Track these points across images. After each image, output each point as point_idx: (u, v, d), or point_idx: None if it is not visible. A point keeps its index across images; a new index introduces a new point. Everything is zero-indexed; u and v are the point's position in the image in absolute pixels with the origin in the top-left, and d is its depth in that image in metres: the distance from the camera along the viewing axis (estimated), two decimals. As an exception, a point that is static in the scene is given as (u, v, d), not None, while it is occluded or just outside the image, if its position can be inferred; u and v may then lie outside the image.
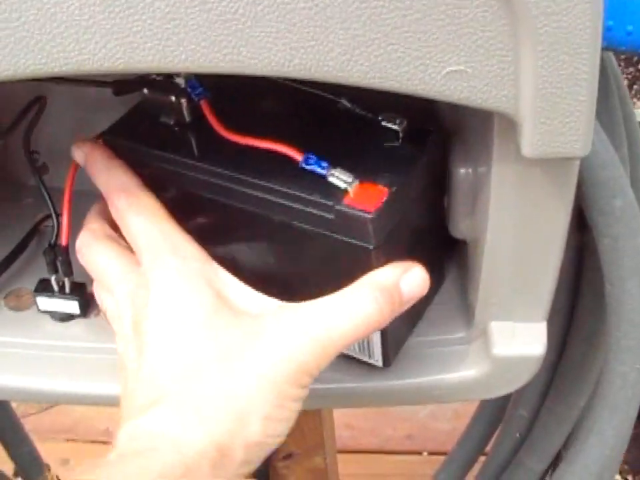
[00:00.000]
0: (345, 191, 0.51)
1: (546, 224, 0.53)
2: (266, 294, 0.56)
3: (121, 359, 0.52)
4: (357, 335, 0.50)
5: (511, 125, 0.46)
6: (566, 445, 0.80)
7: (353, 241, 0.52)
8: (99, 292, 0.57)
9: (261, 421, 0.47)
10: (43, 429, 1.41)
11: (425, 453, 1.60)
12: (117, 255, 0.55)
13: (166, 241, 0.53)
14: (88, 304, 0.64)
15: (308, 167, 0.52)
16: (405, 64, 0.43)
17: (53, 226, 0.63)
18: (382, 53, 0.43)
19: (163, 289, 0.51)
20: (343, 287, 0.51)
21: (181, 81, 0.57)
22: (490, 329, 0.58)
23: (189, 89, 0.57)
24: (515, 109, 0.45)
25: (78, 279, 0.63)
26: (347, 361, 0.60)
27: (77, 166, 0.60)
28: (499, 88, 0.44)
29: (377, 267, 0.52)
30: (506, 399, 0.87)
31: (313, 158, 0.53)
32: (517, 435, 0.86)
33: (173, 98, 0.58)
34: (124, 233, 0.56)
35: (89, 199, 0.61)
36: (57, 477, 1.11)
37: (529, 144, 0.45)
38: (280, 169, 0.53)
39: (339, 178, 0.52)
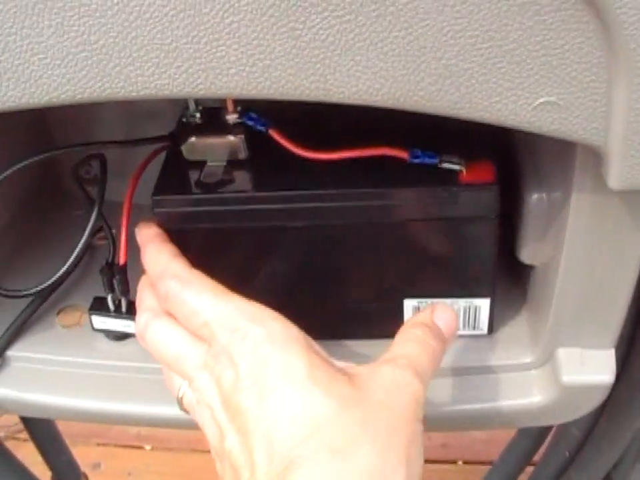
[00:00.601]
0: (459, 172, 0.53)
1: (621, 252, 0.52)
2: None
3: (217, 446, 0.48)
4: (432, 363, 0.50)
5: (594, 155, 0.45)
6: (616, 466, 0.79)
7: (478, 217, 0.54)
8: (172, 379, 0.53)
9: (405, 463, 0.45)
10: (75, 433, 1.40)
11: (460, 462, 1.58)
12: (184, 337, 0.51)
13: (239, 311, 0.50)
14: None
15: (417, 161, 0.53)
16: (496, 94, 0.42)
17: (108, 244, 0.62)
18: (473, 84, 0.41)
19: (255, 359, 0.48)
20: (457, 274, 0.57)
21: (233, 118, 0.56)
22: (558, 356, 0.57)
23: (248, 123, 0.56)
24: (604, 142, 0.43)
25: (134, 297, 0.62)
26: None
27: (135, 181, 0.58)
28: (590, 120, 0.42)
29: (496, 238, 0.55)
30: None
31: (419, 151, 0.53)
32: (567, 453, 0.85)
33: (232, 137, 0.56)
34: (181, 315, 0.52)
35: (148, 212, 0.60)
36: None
37: (616, 176, 0.44)
38: (381, 172, 0.54)
39: (450, 162, 0.53)
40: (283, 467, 0.44)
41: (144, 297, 0.55)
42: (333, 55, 0.41)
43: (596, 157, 0.45)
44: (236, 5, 0.39)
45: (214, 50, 0.41)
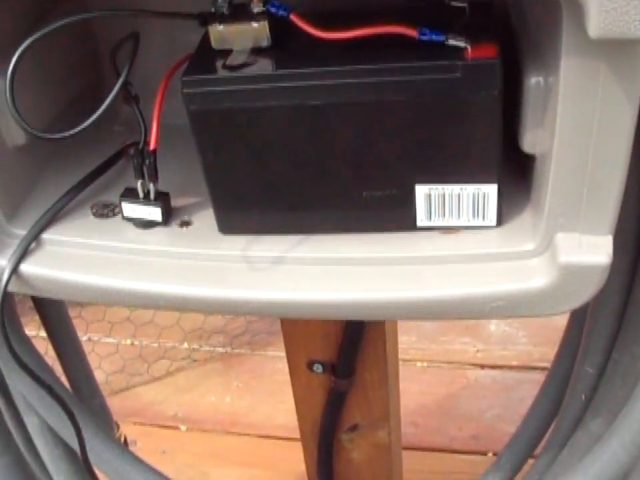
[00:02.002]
0: (465, 50, 0.57)
1: (612, 124, 0.54)
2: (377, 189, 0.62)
3: None
4: None
5: (578, 14, 0.48)
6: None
7: (482, 92, 0.57)
8: None
9: None
10: (112, 411, 1.44)
11: (490, 454, 1.59)
12: None
13: None
14: (170, 213, 0.67)
15: (425, 38, 0.58)
16: None
17: (141, 131, 0.66)
18: None
19: None
20: (464, 156, 0.60)
21: (257, 6, 0.61)
22: (556, 240, 0.59)
23: (271, 10, 0.60)
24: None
25: (163, 188, 0.67)
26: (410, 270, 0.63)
27: (172, 72, 0.63)
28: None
29: (500, 115, 0.58)
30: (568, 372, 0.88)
31: (427, 30, 0.58)
32: (583, 396, 0.86)
33: (255, 24, 0.61)
34: None
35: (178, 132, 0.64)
36: (125, 436, 1.13)
37: (595, 24, 0.47)
38: (391, 50, 0.58)
39: (457, 39, 0.57)
40: None
41: None
42: None
43: (581, 16, 0.48)
44: None
45: None
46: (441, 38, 0.57)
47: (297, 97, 0.59)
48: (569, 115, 0.54)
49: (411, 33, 0.58)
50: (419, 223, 0.64)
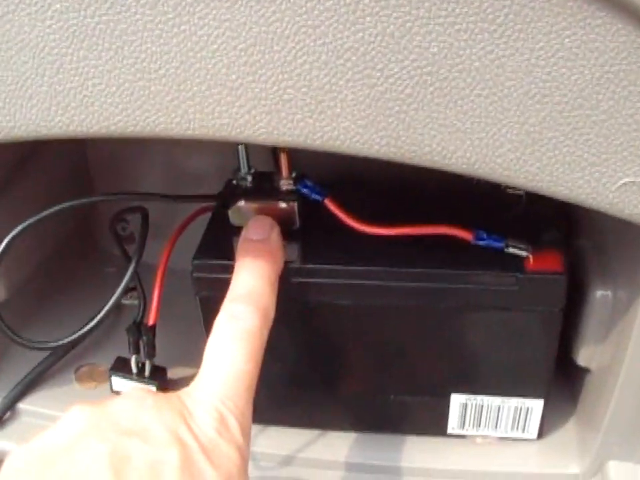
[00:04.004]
0: (526, 259, 0.50)
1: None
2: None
3: None
4: None
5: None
6: None
7: (540, 309, 0.50)
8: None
9: None
10: None
11: None
12: None
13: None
14: (166, 389, 0.59)
15: (482, 243, 0.50)
16: (579, 169, 0.38)
17: (139, 303, 0.58)
18: (556, 155, 0.38)
19: None
20: (511, 370, 0.53)
21: (287, 184, 0.53)
22: (608, 469, 0.53)
23: (303, 191, 0.53)
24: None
25: (159, 362, 0.58)
26: None
27: (174, 240, 0.55)
28: (677, 207, 0.39)
29: (558, 332, 0.51)
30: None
31: (484, 233, 0.50)
32: None
33: (284, 204, 0.53)
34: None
35: (179, 278, 0.56)
36: None
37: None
38: (441, 251, 0.50)
39: (517, 247, 0.50)
40: None
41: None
42: (408, 108, 0.38)
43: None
44: (311, 45, 0.37)
45: (281, 92, 0.38)
46: (500, 245, 0.50)
47: (326, 294, 0.51)
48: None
49: (466, 236, 0.50)
50: (450, 431, 0.57)
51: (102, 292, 0.59)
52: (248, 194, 0.53)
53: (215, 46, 0.37)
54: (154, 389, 0.57)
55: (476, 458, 0.56)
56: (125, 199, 0.58)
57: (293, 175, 0.53)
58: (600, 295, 0.50)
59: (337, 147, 0.39)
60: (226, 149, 0.52)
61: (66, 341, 0.58)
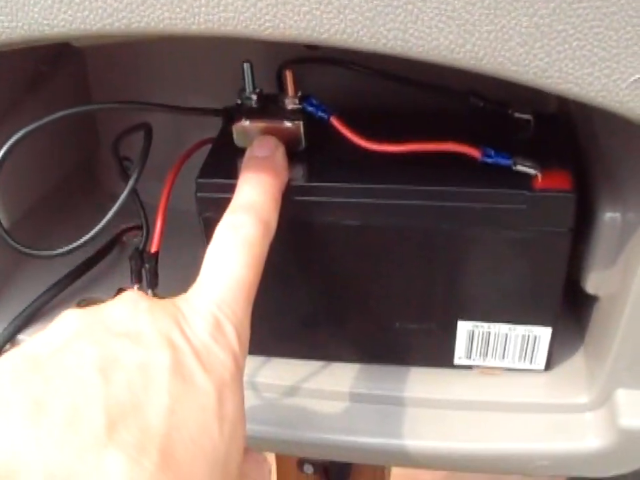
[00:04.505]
0: (534, 177, 0.49)
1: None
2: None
3: None
4: None
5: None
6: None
7: (548, 229, 0.50)
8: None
9: None
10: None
11: None
12: None
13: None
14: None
15: (490, 161, 0.49)
16: (589, 64, 0.38)
17: (142, 231, 0.58)
18: (566, 49, 0.37)
19: None
20: (519, 295, 0.52)
21: (292, 103, 0.52)
22: (617, 397, 0.52)
23: (309, 109, 0.52)
24: (702, 134, 0.39)
25: (162, 292, 0.58)
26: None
27: (179, 166, 0.54)
28: (689, 106, 0.38)
29: (567, 254, 0.51)
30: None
31: (492, 151, 0.49)
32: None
33: (289, 123, 0.52)
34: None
35: (182, 216, 0.56)
36: None
37: None
38: (448, 170, 0.50)
39: (525, 165, 0.49)
40: None
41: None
42: (416, 0, 0.37)
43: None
44: None
45: (287, -17, 0.38)
46: (508, 162, 0.49)
47: (332, 214, 0.51)
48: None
49: (474, 153, 0.49)
50: (457, 361, 0.56)
51: (105, 233, 0.58)
52: (253, 113, 0.52)
53: None
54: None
55: (482, 388, 0.56)
56: (125, 107, 0.56)
57: (299, 94, 0.52)
58: (608, 217, 0.49)
59: (343, 40, 0.38)
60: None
61: (62, 250, 0.55)
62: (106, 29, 0.40)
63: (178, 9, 0.39)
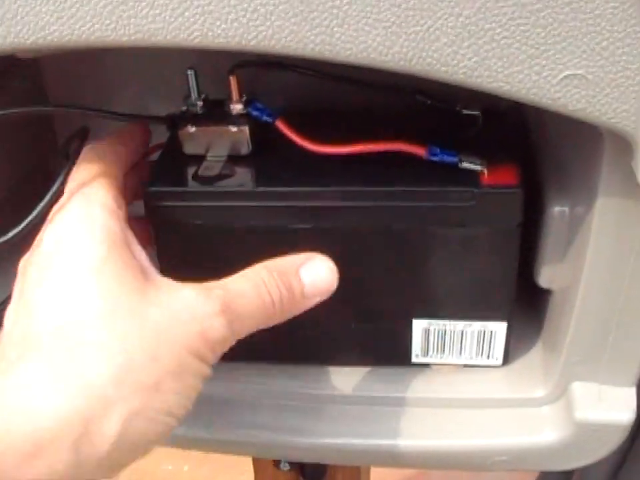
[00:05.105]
0: (481, 173, 0.49)
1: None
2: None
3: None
4: (263, 315, 0.45)
5: (622, 151, 0.41)
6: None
7: (497, 225, 0.50)
8: None
9: (150, 390, 0.40)
10: None
11: None
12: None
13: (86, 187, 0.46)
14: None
15: (435, 159, 0.49)
16: (518, 62, 0.38)
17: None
18: (493, 47, 0.38)
19: (57, 230, 0.45)
20: (472, 292, 0.53)
21: (237, 108, 0.52)
22: (572, 390, 0.52)
23: (254, 113, 0.52)
24: (635, 127, 0.39)
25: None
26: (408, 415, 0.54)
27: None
28: (620, 100, 0.38)
29: (517, 249, 0.51)
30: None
31: (437, 149, 0.49)
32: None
33: (234, 128, 0.52)
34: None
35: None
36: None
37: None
38: (394, 169, 0.50)
39: (471, 162, 0.49)
40: (18, 355, 0.40)
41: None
42: (342, 3, 0.37)
43: (624, 154, 0.41)
44: (240, -60, 0.36)
45: (213, -9, 0.38)
46: (454, 159, 0.49)
47: (281, 218, 0.51)
48: (601, 254, 0.47)
49: (419, 151, 0.49)
50: (414, 359, 0.57)
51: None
52: (198, 119, 0.52)
53: (145, -54, 0.37)
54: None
55: (439, 385, 0.56)
56: (78, 112, 0.56)
57: (244, 98, 0.52)
58: (557, 211, 0.50)
59: (271, 47, 0.39)
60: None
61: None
62: (39, 43, 0.40)
63: (108, 21, 0.39)
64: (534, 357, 0.57)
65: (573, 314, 0.50)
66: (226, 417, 0.57)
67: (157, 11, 0.38)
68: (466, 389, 0.56)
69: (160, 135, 0.56)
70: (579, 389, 0.52)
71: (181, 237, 0.53)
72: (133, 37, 0.39)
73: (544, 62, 0.38)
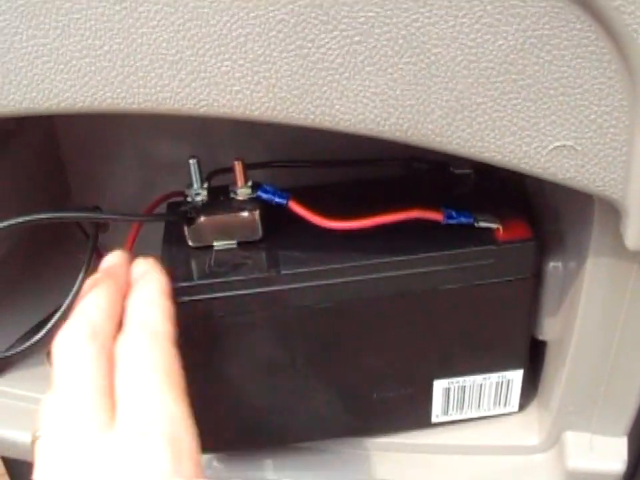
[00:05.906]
0: (496, 230, 0.51)
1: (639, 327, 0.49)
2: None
3: None
4: None
5: (613, 214, 0.43)
6: None
7: (516, 276, 0.51)
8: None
9: None
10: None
11: None
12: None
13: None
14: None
15: (452, 222, 0.50)
16: (509, 134, 0.40)
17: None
18: (486, 120, 0.39)
19: None
20: (491, 344, 0.54)
21: (245, 192, 0.52)
22: (565, 439, 0.54)
23: (263, 197, 0.52)
24: (623, 195, 0.41)
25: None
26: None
27: (139, 227, 0.54)
28: (608, 170, 0.40)
29: (533, 297, 0.52)
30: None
31: (453, 211, 0.51)
32: None
33: (245, 214, 0.51)
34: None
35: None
36: None
37: (635, 235, 0.41)
38: (411, 236, 0.50)
39: (486, 220, 0.51)
40: None
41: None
42: (341, 77, 0.39)
43: (615, 216, 0.42)
44: (244, 17, 0.38)
45: (218, 64, 0.40)
46: (470, 220, 0.51)
47: (304, 299, 0.51)
48: (593, 308, 0.49)
49: (436, 217, 0.50)
50: (434, 419, 0.58)
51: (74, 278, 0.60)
52: (204, 210, 0.52)
53: (155, 22, 0.39)
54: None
55: (434, 432, 0.57)
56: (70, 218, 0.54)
57: (249, 183, 0.52)
58: (552, 267, 0.51)
59: (274, 117, 0.40)
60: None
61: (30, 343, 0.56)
62: (52, 108, 0.42)
63: (119, 90, 0.41)
64: (530, 406, 0.58)
65: (565, 365, 0.51)
66: None
67: (166, 82, 0.40)
68: (460, 436, 0.57)
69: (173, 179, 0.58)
70: (571, 438, 0.54)
71: (204, 332, 0.52)
72: (142, 105, 0.41)
73: (534, 134, 0.40)
